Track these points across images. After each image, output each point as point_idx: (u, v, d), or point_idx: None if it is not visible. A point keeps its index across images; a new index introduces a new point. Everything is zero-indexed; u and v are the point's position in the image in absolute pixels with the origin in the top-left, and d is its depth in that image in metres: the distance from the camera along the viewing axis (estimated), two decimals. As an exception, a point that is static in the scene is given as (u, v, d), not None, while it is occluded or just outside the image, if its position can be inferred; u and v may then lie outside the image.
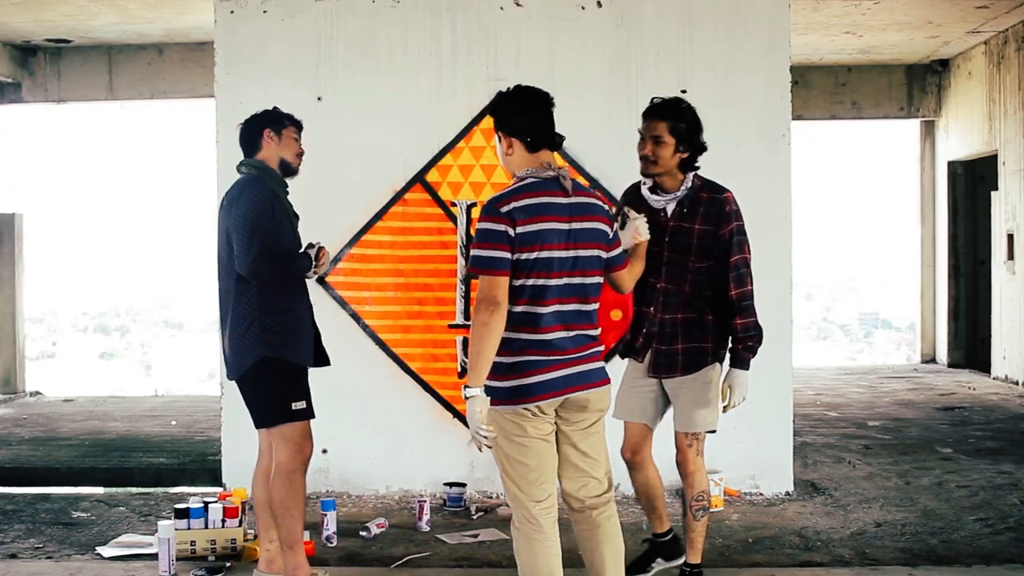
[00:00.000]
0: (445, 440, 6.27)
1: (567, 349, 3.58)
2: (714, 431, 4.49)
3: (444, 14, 6.30)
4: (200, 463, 7.24)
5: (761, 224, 6.21)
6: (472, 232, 6.23)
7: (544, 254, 3.51)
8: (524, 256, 3.50)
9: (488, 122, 6.21)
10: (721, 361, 4.43)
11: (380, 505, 6.13)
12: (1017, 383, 10.84)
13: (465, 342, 6.27)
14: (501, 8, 6.29)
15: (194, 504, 5.10)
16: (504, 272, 3.48)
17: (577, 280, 3.60)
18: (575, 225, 3.58)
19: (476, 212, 6.23)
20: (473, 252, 3.52)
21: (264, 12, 6.33)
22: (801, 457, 7.02)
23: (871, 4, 9.99)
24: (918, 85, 13.20)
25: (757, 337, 4.36)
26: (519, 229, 3.48)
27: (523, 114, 3.64)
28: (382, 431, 6.31)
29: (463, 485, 6.03)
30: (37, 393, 11.30)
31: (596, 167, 6.23)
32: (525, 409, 3.54)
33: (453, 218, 6.26)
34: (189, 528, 5.01)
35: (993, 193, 11.77)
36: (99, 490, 6.70)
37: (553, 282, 3.54)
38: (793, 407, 6.33)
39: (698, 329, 4.35)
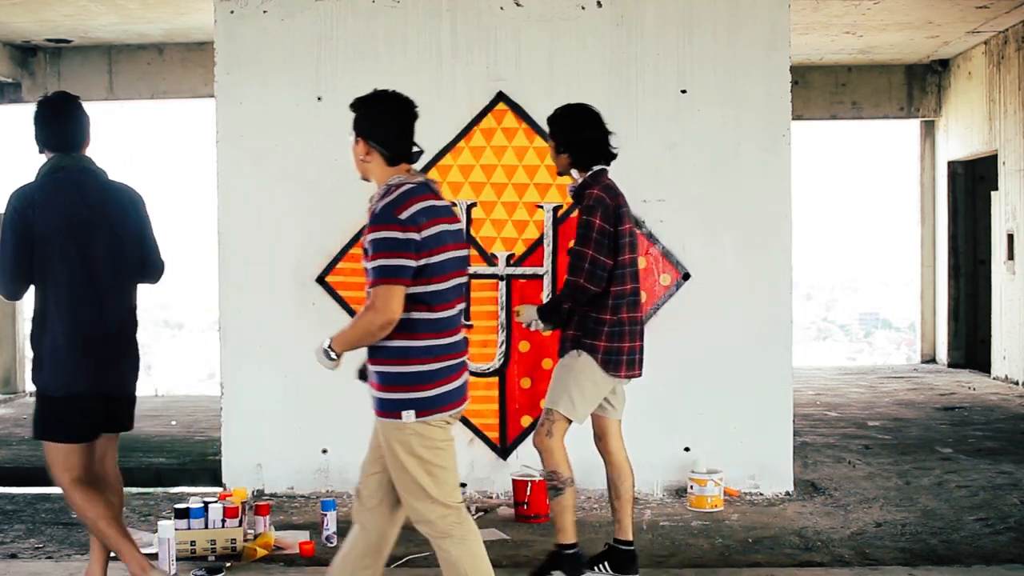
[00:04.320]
0: (445, 440, 6.26)
1: (464, 351, 3.68)
2: (570, 420, 4.62)
3: (444, 14, 6.30)
4: (200, 463, 7.24)
5: (761, 224, 6.24)
6: (473, 232, 6.24)
7: (443, 256, 3.53)
8: (432, 260, 3.48)
9: (488, 122, 6.23)
10: (588, 351, 4.57)
11: (380, 505, 6.12)
12: (1017, 383, 10.84)
13: (465, 342, 6.26)
14: (501, 8, 6.29)
15: (194, 504, 5.10)
16: (407, 282, 3.44)
17: (460, 280, 3.66)
18: (454, 226, 3.65)
19: (476, 212, 6.24)
20: (376, 262, 3.42)
21: (264, 12, 6.33)
22: (801, 457, 7.02)
23: (871, 4, 9.99)
24: (918, 85, 13.20)
25: (553, 306, 4.70)
26: (423, 233, 3.46)
27: (387, 126, 3.59)
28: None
29: (463, 485, 6.02)
30: (37, 393, 11.29)
31: (596, 167, 6.22)
32: (450, 415, 3.56)
33: (453, 218, 6.26)
34: (189, 528, 5.01)
35: (993, 193, 11.77)
36: (99, 490, 6.68)
37: (451, 283, 3.58)
38: (793, 407, 6.33)
39: (572, 318, 4.64)
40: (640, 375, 4.78)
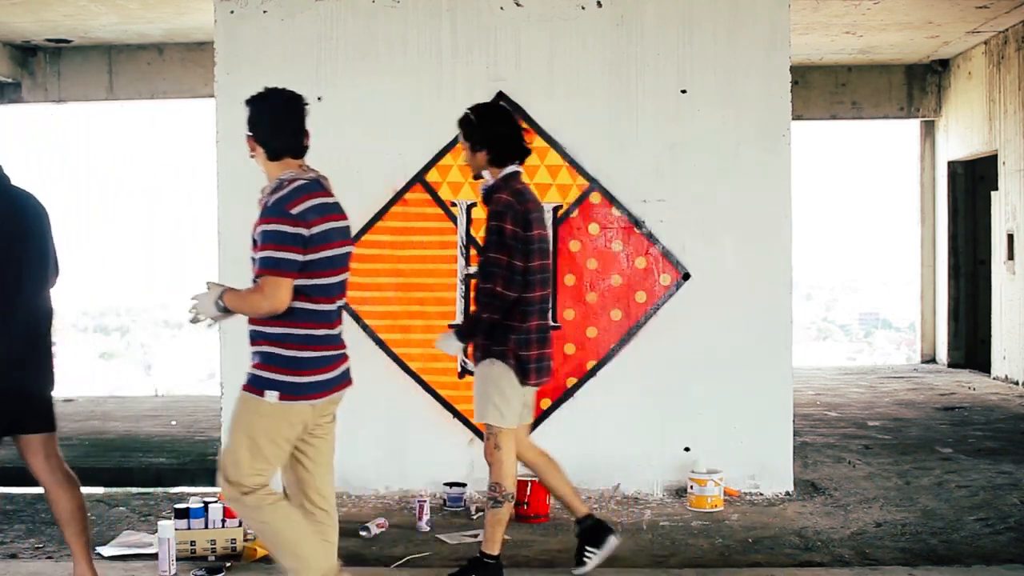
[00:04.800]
0: (445, 440, 6.27)
1: (343, 344, 3.78)
2: (497, 426, 4.56)
3: (444, 14, 6.30)
4: (200, 463, 7.24)
5: (761, 224, 6.24)
6: (473, 232, 6.24)
7: (330, 252, 3.65)
8: (319, 255, 3.61)
9: (488, 122, 6.21)
10: (500, 358, 4.53)
11: (380, 505, 6.13)
12: (1017, 383, 10.84)
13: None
14: (501, 8, 6.29)
15: (194, 504, 5.10)
16: (293, 274, 3.55)
17: (345, 276, 3.77)
18: (341, 223, 3.77)
19: (477, 212, 6.24)
20: (264, 253, 3.54)
21: (264, 12, 6.34)
22: (801, 457, 7.02)
23: (871, 4, 9.99)
24: (918, 85, 13.20)
25: (473, 325, 4.56)
26: (313, 229, 3.59)
27: (268, 123, 3.71)
28: (382, 431, 6.31)
29: (463, 485, 6.03)
30: (37, 393, 11.29)
31: (596, 167, 6.23)
32: (313, 404, 3.66)
33: (453, 218, 6.26)
34: (189, 528, 5.01)
35: (993, 193, 11.77)
36: (99, 490, 6.69)
37: (337, 279, 3.70)
38: (793, 407, 6.33)
39: (474, 323, 4.59)
40: (547, 382, 4.76)
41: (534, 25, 6.28)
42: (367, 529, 5.42)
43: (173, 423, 8.96)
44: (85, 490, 6.66)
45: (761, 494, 6.21)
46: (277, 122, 3.73)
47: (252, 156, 3.80)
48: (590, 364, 6.26)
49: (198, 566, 4.86)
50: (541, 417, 6.26)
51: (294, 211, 3.55)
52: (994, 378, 11.52)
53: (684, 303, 6.24)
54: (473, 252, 6.25)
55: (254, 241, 3.61)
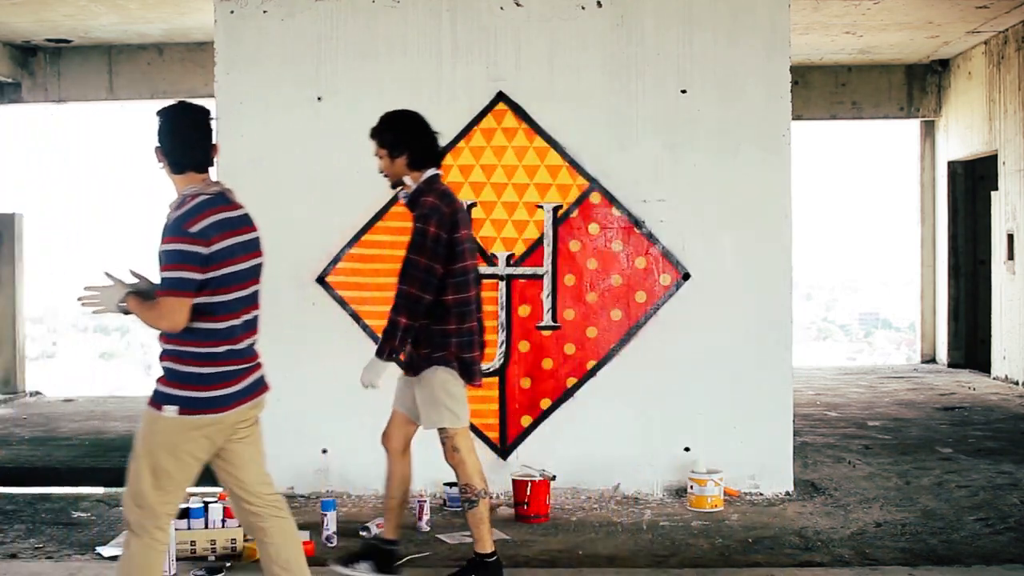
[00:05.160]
0: (445, 440, 6.26)
1: (252, 356, 3.74)
2: (452, 428, 4.60)
3: (444, 14, 6.29)
4: (200, 463, 7.23)
5: (761, 224, 6.24)
6: (473, 232, 6.24)
7: (234, 267, 3.62)
8: (221, 272, 3.58)
9: (488, 122, 6.23)
10: (442, 364, 4.56)
11: (380, 505, 6.12)
12: (1017, 383, 10.84)
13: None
14: (501, 8, 6.29)
15: (194, 504, 5.10)
16: (191, 294, 3.53)
17: (252, 289, 3.74)
18: (247, 236, 3.71)
19: (476, 212, 6.24)
20: (164, 274, 3.52)
21: (264, 12, 6.33)
22: (801, 457, 7.02)
23: (871, 4, 9.99)
24: (918, 85, 13.20)
25: (387, 333, 4.53)
26: (214, 247, 3.55)
27: (169, 138, 3.68)
28: (382, 431, 6.29)
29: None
30: (37, 393, 11.30)
31: (596, 167, 6.23)
32: (217, 418, 3.62)
33: (453, 218, 6.26)
34: (189, 528, 5.01)
35: (993, 193, 11.77)
36: (99, 490, 6.68)
37: (240, 294, 3.66)
38: (793, 407, 6.33)
39: (421, 333, 4.57)
40: (477, 385, 4.77)
41: (534, 25, 6.28)
42: (367, 529, 5.42)
43: (173, 423, 8.95)
44: (85, 490, 6.71)
45: (761, 494, 6.21)
46: (181, 135, 3.68)
47: (160, 168, 3.77)
48: (590, 364, 6.26)
49: (198, 566, 4.87)
50: (541, 417, 6.26)
51: (193, 229, 3.50)
52: (994, 378, 11.52)
53: (684, 303, 6.24)
54: (473, 252, 6.25)
55: (160, 258, 3.59)
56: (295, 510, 5.97)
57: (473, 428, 6.24)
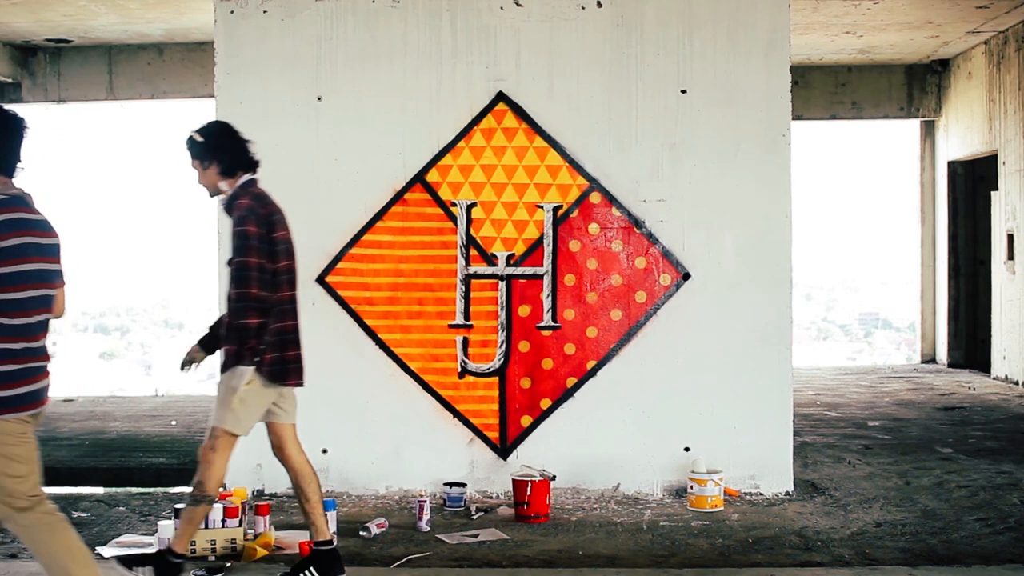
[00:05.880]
0: (445, 440, 6.27)
1: (46, 356, 3.81)
2: (235, 434, 4.53)
3: (444, 14, 6.30)
4: (200, 463, 7.23)
5: (761, 224, 6.24)
6: (473, 232, 6.24)
7: (25, 267, 3.67)
8: (10, 269, 3.63)
9: (488, 122, 6.23)
10: (252, 366, 4.50)
11: (380, 505, 6.13)
12: (1017, 383, 10.84)
13: (466, 342, 6.28)
14: (501, 8, 6.29)
15: (194, 504, 5.09)
16: None
17: (45, 292, 3.78)
18: (43, 240, 3.77)
19: (476, 212, 6.24)
20: None
21: (264, 12, 6.34)
22: (801, 457, 7.02)
23: (871, 4, 10.00)
24: (918, 85, 13.20)
25: (229, 338, 4.46)
26: (4, 243, 3.61)
27: None
28: (382, 431, 6.31)
29: (463, 485, 6.03)
30: (37, 393, 11.29)
31: (596, 167, 6.23)
32: (29, 415, 3.70)
33: (453, 218, 6.26)
34: (189, 528, 5.00)
35: (993, 193, 11.77)
36: (99, 490, 6.70)
37: (33, 293, 3.71)
38: (793, 407, 6.33)
39: (226, 331, 4.53)
40: (303, 384, 4.74)
41: (534, 25, 6.28)
42: (367, 529, 5.42)
43: (173, 423, 8.96)
44: (85, 490, 6.72)
45: (761, 494, 6.21)
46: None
47: None
48: (590, 364, 6.26)
49: (198, 566, 4.86)
50: (541, 417, 6.26)
51: None
52: (994, 378, 11.52)
53: (684, 303, 6.24)
54: (474, 252, 6.25)
55: None
56: (295, 510, 5.99)
57: (473, 428, 6.27)
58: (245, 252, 4.43)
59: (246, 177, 4.67)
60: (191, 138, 4.70)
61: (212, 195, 4.75)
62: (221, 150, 4.66)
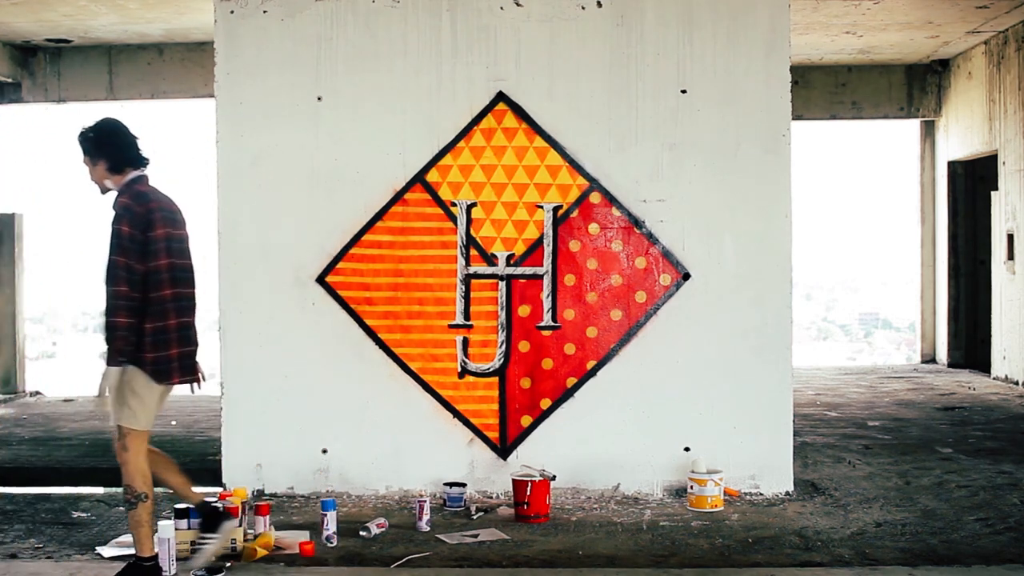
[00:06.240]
0: (445, 440, 6.27)
1: None
2: (128, 427, 4.60)
3: (444, 14, 6.30)
4: (200, 463, 7.23)
5: (761, 224, 6.24)
6: (473, 232, 6.24)
7: None
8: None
9: (488, 122, 6.24)
10: (134, 363, 4.57)
11: (380, 505, 6.13)
12: (1017, 383, 10.84)
13: (466, 342, 6.28)
14: (501, 8, 6.29)
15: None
16: None
17: None
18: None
19: (476, 212, 6.24)
20: None
21: (264, 12, 6.33)
22: (801, 457, 7.02)
23: (871, 4, 9.99)
24: (918, 85, 13.20)
25: (109, 337, 4.53)
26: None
27: None
28: (382, 431, 6.31)
29: (463, 485, 6.03)
30: (37, 393, 11.30)
31: (596, 167, 6.23)
32: None
33: (453, 218, 6.26)
34: (189, 528, 5.00)
35: (993, 193, 11.77)
36: (99, 490, 6.69)
37: None
38: (793, 407, 6.33)
39: (106, 329, 4.60)
40: (200, 380, 4.81)
41: (534, 25, 6.28)
42: (367, 529, 5.42)
43: (173, 423, 8.96)
44: (85, 490, 6.72)
45: (761, 494, 6.21)
46: None
47: None
48: (590, 364, 6.26)
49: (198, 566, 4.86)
50: (541, 417, 6.26)
51: None
52: (994, 378, 11.52)
53: (684, 303, 6.24)
54: (474, 252, 6.26)
55: None
56: (295, 510, 6.00)
57: (473, 428, 6.27)
58: (116, 251, 4.53)
59: (134, 174, 4.72)
60: (82, 134, 4.78)
61: (102, 192, 4.81)
62: (109, 146, 4.74)
